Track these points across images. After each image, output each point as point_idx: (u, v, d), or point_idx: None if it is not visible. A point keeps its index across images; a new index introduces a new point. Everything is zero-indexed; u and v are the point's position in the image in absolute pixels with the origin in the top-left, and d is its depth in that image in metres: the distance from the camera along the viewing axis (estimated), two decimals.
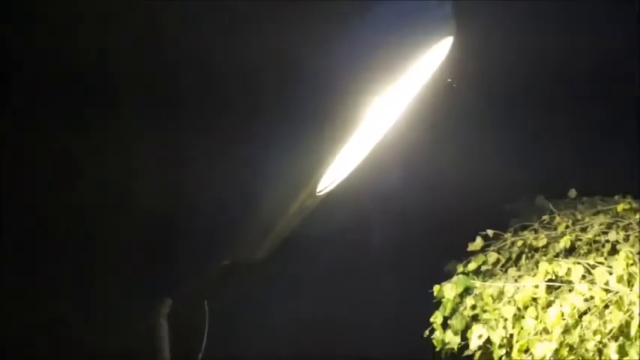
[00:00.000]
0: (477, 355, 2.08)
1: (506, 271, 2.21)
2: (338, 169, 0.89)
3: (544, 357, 1.99)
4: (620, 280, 2.00)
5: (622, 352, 1.94)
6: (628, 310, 1.98)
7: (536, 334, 2.01)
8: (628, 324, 1.95)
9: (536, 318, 2.03)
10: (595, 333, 1.98)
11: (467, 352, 2.11)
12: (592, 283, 2.04)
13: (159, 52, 1.08)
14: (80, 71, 1.04)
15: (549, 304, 2.03)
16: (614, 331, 1.97)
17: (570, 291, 2.06)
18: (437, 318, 2.15)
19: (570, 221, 2.26)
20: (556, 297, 2.06)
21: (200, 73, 1.06)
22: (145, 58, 1.08)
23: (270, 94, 0.93)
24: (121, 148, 1.12)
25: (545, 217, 2.30)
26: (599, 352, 1.98)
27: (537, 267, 2.10)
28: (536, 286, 2.05)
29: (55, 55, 0.99)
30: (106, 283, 1.09)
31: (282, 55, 0.90)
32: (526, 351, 2.01)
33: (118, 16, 1.01)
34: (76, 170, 1.07)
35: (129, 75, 1.09)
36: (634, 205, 2.25)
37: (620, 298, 1.99)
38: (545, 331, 2.03)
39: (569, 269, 2.07)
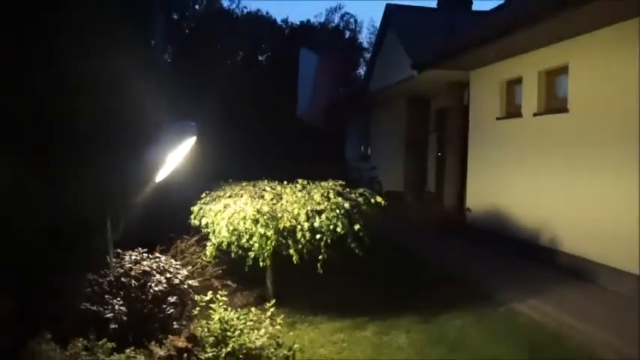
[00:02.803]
0: (204, 228, 5.71)
1: (213, 202, 5.77)
2: (160, 175, 4.71)
3: (223, 227, 5.38)
4: (245, 204, 5.79)
5: (252, 226, 5.56)
6: (254, 211, 5.42)
7: (220, 220, 5.37)
8: (257, 220, 5.33)
9: (222, 215, 5.46)
10: (240, 219, 5.37)
11: (201, 227, 5.68)
12: (236, 205, 5.46)
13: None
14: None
15: (225, 210, 5.43)
16: (249, 217, 5.40)
17: (229, 208, 5.46)
18: (192, 216, 5.70)
19: (230, 187, 5.99)
20: (226, 209, 5.49)
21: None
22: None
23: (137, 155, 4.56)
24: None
25: (224, 187, 6.06)
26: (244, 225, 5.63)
27: (221, 201, 5.63)
28: (221, 206, 5.51)
29: None
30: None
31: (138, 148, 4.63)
32: (218, 224, 5.52)
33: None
34: None
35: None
36: (254, 183, 6.30)
37: (243, 210, 5.49)
38: (223, 219, 5.41)
39: (229, 201, 5.52)
